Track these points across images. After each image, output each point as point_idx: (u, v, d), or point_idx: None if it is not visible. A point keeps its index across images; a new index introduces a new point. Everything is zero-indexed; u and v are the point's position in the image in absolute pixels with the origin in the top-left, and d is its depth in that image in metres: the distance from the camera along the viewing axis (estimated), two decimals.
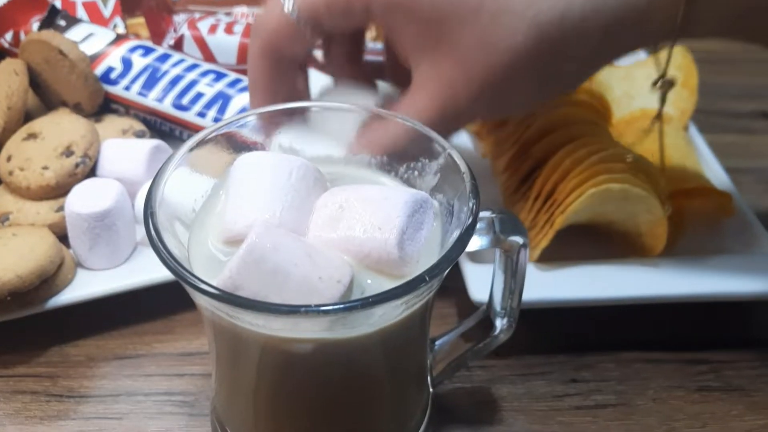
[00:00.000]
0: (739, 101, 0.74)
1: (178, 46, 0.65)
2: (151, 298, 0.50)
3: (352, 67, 0.49)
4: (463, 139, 0.62)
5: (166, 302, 0.50)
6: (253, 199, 0.35)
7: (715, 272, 0.50)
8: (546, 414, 0.45)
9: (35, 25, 0.65)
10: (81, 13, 0.69)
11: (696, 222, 0.54)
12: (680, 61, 0.64)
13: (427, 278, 0.31)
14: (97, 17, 0.70)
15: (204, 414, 0.45)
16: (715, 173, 0.58)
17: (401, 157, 0.40)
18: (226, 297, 0.30)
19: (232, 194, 0.36)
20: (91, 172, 0.54)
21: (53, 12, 0.64)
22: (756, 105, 0.74)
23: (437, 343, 0.43)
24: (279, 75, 0.45)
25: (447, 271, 0.32)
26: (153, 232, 0.33)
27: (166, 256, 0.32)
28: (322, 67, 0.51)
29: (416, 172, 0.39)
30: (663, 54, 0.66)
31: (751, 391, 0.47)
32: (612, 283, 0.48)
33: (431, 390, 0.43)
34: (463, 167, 0.36)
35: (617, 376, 0.48)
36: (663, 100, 0.50)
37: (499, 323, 0.41)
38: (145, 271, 0.50)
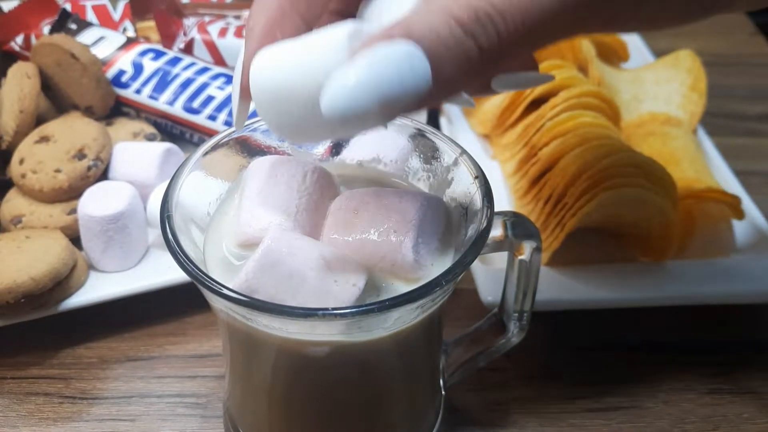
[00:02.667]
0: (747, 104, 0.74)
1: (188, 49, 0.65)
2: (163, 300, 0.50)
3: None
4: (472, 141, 0.62)
5: (178, 304, 0.51)
6: (268, 202, 0.35)
7: (725, 274, 0.50)
8: (557, 416, 0.45)
9: (46, 29, 0.65)
10: (91, 16, 0.70)
11: (706, 225, 0.54)
12: (689, 64, 0.64)
13: (444, 282, 0.31)
14: (106, 21, 0.70)
15: (216, 416, 0.45)
16: (724, 176, 0.58)
17: (415, 160, 0.40)
18: (244, 300, 0.30)
19: (247, 197, 0.36)
20: (103, 175, 0.54)
21: (64, 15, 0.65)
22: (764, 107, 0.74)
23: (450, 345, 0.43)
24: (290, 18, 0.34)
25: (462, 274, 0.33)
26: (170, 236, 0.33)
27: (183, 259, 0.32)
28: None
29: (429, 175, 0.39)
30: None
31: (763, 393, 0.47)
32: (622, 285, 0.49)
33: (443, 392, 0.43)
34: (476, 171, 0.36)
35: (628, 379, 0.48)
36: None
37: (512, 326, 0.41)
38: (157, 273, 0.50)
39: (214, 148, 0.38)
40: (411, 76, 0.26)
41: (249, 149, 0.39)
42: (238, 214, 0.36)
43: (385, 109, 0.27)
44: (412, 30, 0.27)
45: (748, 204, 0.55)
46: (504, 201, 0.55)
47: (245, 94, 0.33)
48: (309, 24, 0.34)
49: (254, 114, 0.35)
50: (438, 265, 0.34)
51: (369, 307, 0.30)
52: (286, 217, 0.35)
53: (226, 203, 0.38)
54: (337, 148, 0.41)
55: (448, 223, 0.36)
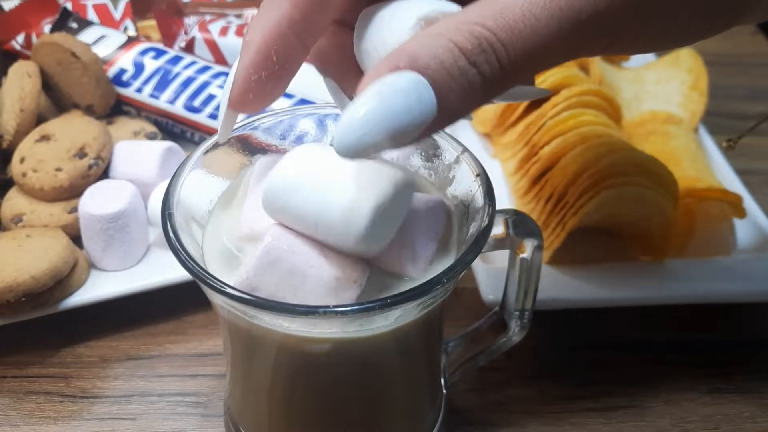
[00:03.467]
0: (748, 103, 0.74)
1: (189, 48, 0.65)
2: (163, 299, 0.50)
3: None
4: (473, 140, 0.62)
5: (178, 303, 0.51)
6: None
7: (726, 273, 0.50)
8: (558, 416, 0.45)
9: (47, 28, 0.65)
10: (92, 15, 0.70)
11: (706, 223, 0.54)
12: (690, 63, 0.64)
13: (445, 280, 0.31)
14: (107, 20, 0.70)
15: (217, 414, 0.45)
16: (725, 175, 0.58)
17: (416, 159, 0.40)
18: (246, 298, 0.30)
19: (251, 194, 0.36)
20: (104, 174, 0.54)
21: (65, 14, 0.65)
22: (765, 107, 0.74)
23: (451, 344, 0.43)
24: (287, 39, 0.33)
25: (463, 273, 0.32)
26: (171, 234, 0.33)
27: (184, 257, 0.32)
28: None
29: (431, 174, 0.39)
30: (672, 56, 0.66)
31: (764, 393, 0.47)
32: (623, 284, 0.49)
33: (444, 391, 0.43)
34: (477, 169, 0.36)
35: (629, 378, 0.48)
36: None
37: (513, 325, 0.41)
38: (158, 272, 0.50)
39: (215, 146, 0.38)
40: (418, 106, 0.27)
41: (249, 147, 0.39)
42: (240, 212, 0.36)
43: (394, 139, 0.27)
44: (417, 59, 0.27)
45: (749, 203, 0.55)
46: (505, 200, 0.55)
47: (234, 105, 0.33)
48: (306, 45, 0.34)
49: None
50: (439, 264, 0.34)
51: (370, 304, 0.30)
52: None
53: (227, 201, 0.38)
54: None
55: (448, 221, 0.36)
